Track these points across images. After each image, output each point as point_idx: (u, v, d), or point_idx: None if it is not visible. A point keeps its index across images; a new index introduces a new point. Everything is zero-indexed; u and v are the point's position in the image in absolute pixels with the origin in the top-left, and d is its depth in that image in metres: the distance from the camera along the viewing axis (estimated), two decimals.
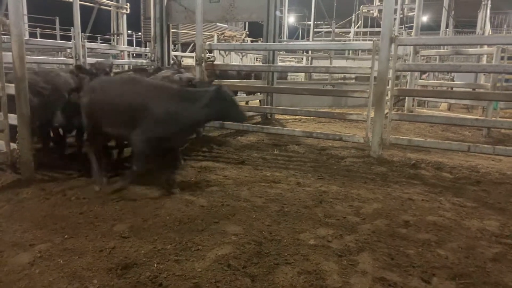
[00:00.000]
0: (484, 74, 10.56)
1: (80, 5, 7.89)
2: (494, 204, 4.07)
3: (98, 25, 14.77)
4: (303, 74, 15.12)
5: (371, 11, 19.99)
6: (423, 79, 11.10)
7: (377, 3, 19.36)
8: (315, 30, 20.42)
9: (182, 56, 12.96)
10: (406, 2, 15.70)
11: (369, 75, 5.83)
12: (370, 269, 2.72)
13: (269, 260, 2.79)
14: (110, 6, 12.17)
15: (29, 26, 16.19)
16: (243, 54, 13.67)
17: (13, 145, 4.49)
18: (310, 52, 15.48)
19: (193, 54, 8.46)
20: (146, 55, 11.43)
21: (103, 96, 4.09)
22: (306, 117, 9.50)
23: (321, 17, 22.56)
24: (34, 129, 4.69)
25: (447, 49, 11.12)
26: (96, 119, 4.16)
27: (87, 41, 8.22)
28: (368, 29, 20.98)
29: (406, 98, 10.18)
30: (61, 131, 5.26)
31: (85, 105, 4.17)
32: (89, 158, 4.26)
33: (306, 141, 6.79)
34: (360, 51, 16.09)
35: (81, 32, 7.76)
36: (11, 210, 3.62)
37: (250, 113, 8.11)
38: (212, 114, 4.11)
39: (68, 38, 14.44)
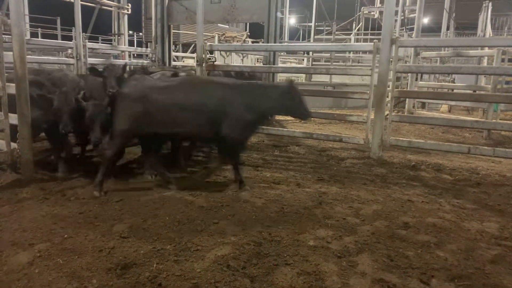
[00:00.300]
0: (484, 76, 10.56)
1: (82, 5, 7.89)
2: (494, 206, 4.07)
3: (99, 25, 14.77)
4: (303, 75, 15.11)
5: (372, 13, 19.99)
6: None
7: (378, 5, 19.37)
8: (316, 36, 20.39)
9: (183, 57, 12.99)
10: (407, 4, 15.70)
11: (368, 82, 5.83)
12: (369, 270, 2.72)
13: (268, 261, 2.79)
14: (111, 7, 12.18)
15: (31, 26, 16.19)
16: (244, 55, 13.69)
17: (14, 145, 4.50)
18: (311, 53, 15.49)
19: (194, 55, 8.47)
20: (147, 55, 11.43)
21: (166, 100, 4.08)
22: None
23: (322, 18, 22.57)
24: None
25: (448, 51, 11.12)
26: (149, 124, 4.11)
27: (88, 41, 8.23)
28: (369, 31, 20.99)
29: (407, 99, 10.18)
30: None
31: (137, 111, 4.07)
32: (103, 163, 4.18)
33: (306, 142, 6.79)
34: (361, 58, 16.06)
35: (82, 32, 7.76)
36: (10, 210, 3.62)
37: None
38: (280, 109, 4.35)
39: (69, 38, 14.47)
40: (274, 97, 4.25)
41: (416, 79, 10.07)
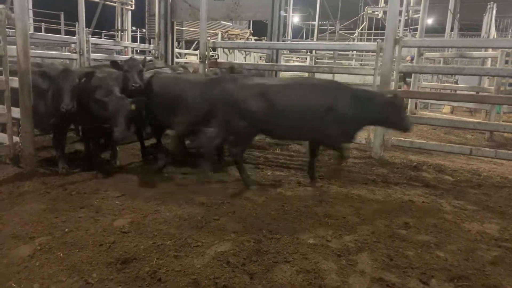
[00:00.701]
0: (488, 78, 10.53)
1: (85, 0, 7.86)
2: (494, 208, 4.06)
3: (103, 21, 14.79)
4: (306, 73, 15.07)
5: (376, 13, 19.92)
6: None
7: (382, 5, 19.31)
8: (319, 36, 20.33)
9: (186, 54, 12.97)
10: (411, 4, 15.64)
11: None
12: (369, 269, 2.72)
13: (268, 258, 2.80)
14: (115, 2, 12.17)
15: (34, 20, 16.17)
16: (247, 52, 13.66)
17: (16, 139, 4.51)
18: (314, 52, 15.46)
19: (197, 52, 8.46)
20: (150, 51, 11.43)
21: (284, 100, 4.16)
22: None
23: (325, 17, 22.52)
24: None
25: (451, 51, 11.09)
26: (264, 122, 4.20)
27: (92, 37, 8.24)
28: (373, 31, 20.95)
29: (409, 100, 10.14)
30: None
31: (257, 108, 4.14)
32: (237, 162, 4.39)
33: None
34: (363, 59, 16.04)
35: (86, 27, 7.74)
36: (12, 203, 3.64)
37: None
38: (381, 118, 4.28)
39: (72, 33, 14.40)
40: (378, 106, 4.20)
41: (419, 80, 10.04)
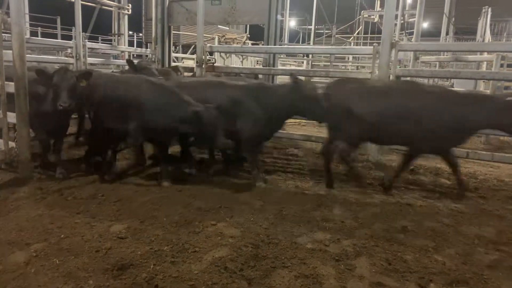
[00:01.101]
0: (483, 81, 10.57)
1: (82, 5, 7.86)
2: (492, 211, 4.06)
3: (100, 25, 14.74)
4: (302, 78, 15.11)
5: (372, 17, 20.05)
6: None
7: (378, 9, 19.43)
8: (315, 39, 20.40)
9: (183, 58, 12.98)
10: (406, 8, 15.74)
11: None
12: (367, 273, 2.71)
13: (266, 263, 2.78)
14: (111, 7, 12.15)
15: (31, 25, 16.16)
16: (244, 56, 13.68)
17: (12, 144, 4.48)
18: (310, 56, 15.52)
19: (194, 56, 8.47)
20: (147, 56, 11.42)
21: (393, 104, 4.17)
22: (306, 121, 9.48)
23: (322, 21, 22.62)
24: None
25: (447, 55, 11.14)
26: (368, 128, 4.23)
27: (88, 41, 8.23)
28: (369, 35, 21.06)
29: None
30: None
31: (364, 112, 4.16)
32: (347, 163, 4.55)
33: (305, 145, 6.78)
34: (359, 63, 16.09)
35: (82, 32, 7.74)
36: (7, 209, 3.60)
37: None
38: (495, 123, 4.03)
39: (69, 38, 14.43)
40: (491, 110, 3.93)
41: None
